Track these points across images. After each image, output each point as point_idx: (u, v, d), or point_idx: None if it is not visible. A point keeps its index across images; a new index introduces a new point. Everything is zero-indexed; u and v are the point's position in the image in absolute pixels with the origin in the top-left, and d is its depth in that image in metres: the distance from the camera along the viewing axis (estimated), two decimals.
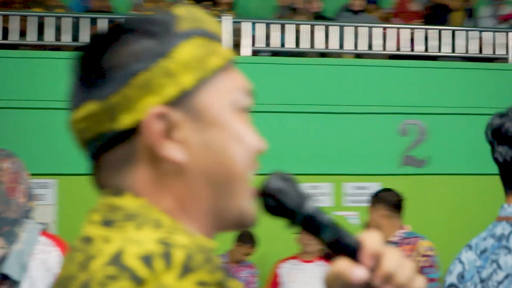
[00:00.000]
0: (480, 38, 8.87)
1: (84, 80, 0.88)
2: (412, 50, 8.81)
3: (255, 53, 8.57)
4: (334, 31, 8.61)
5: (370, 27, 8.80)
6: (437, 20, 9.45)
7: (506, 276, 2.46)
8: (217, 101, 0.90)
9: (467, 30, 8.97)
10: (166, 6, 8.89)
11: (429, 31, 8.85)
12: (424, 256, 4.63)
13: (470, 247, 2.57)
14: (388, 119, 8.15)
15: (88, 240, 0.80)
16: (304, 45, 8.31)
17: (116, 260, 0.72)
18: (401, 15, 9.70)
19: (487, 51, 8.81)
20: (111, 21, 8.08)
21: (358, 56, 9.04)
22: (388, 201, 4.75)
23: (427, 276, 4.48)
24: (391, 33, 8.77)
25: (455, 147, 8.17)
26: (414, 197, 7.33)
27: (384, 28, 8.84)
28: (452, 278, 2.63)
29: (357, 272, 0.88)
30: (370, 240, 0.93)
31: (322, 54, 8.86)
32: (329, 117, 8.07)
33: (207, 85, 0.89)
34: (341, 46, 8.58)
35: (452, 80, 8.39)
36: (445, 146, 8.17)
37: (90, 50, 0.89)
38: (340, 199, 8.05)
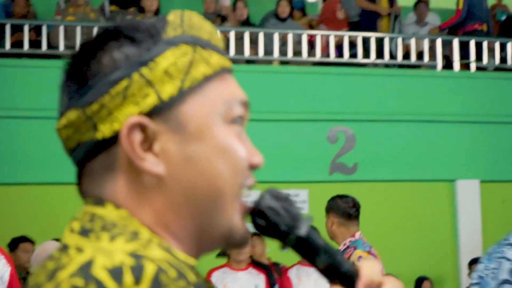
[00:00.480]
0: (407, 45, 9.29)
1: (68, 88, 0.88)
2: (339, 56, 8.95)
3: None
4: (261, 38, 8.69)
5: (296, 34, 8.93)
6: (364, 27, 9.65)
7: None
8: (203, 112, 0.87)
9: (394, 37, 9.33)
10: (88, 12, 8.94)
11: (356, 38, 9.03)
12: None
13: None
14: (316, 126, 8.27)
15: (64, 248, 0.79)
16: (231, 52, 8.33)
17: (85, 270, 0.70)
18: (328, 22, 9.83)
19: (414, 59, 9.13)
20: (33, 27, 8.17)
21: (285, 63, 9.13)
22: (339, 209, 4.67)
23: None
24: (318, 40, 8.86)
25: (383, 153, 8.35)
26: None
27: (311, 35, 9.00)
28: (504, 275, 2.85)
29: None
30: (368, 269, 0.91)
31: (249, 61, 8.99)
32: (256, 124, 8.02)
33: (193, 94, 0.87)
34: (268, 53, 8.72)
35: (379, 87, 8.61)
36: (373, 153, 8.35)
37: (76, 58, 0.89)
38: None
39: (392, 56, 9.17)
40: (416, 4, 10.32)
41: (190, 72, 0.86)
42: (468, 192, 8.67)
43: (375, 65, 9.23)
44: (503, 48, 9.29)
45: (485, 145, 8.75)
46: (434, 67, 9.19)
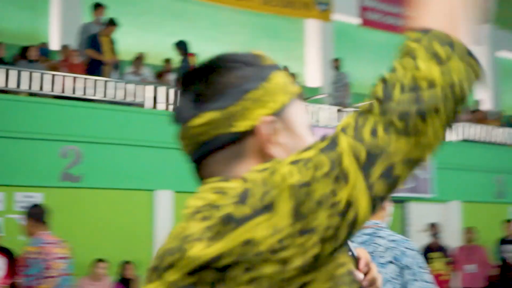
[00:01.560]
0: (125, 88, 10.59)
1: (198, 96, 1.12)
2: (74, 93, 10.11)
3: None
4: (12, 73, 9.63)
5: (42, 73, 9.93)
6: (93, 71, 10.72)
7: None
8: (299, 118, 1.15)
9: (115, 81, 10.63)
10: None
11: (87, 80, 10.22)
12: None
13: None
14: (52, 144, 9.27)
15: (211, 204, 1.00)
16: None
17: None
18: (67, 65, 10.85)
19: (129, 98, 10.56)
20: None
21: (33, 94, 10.08)
22: (33, 214, 5.82)
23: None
24: (58, 79, 9.99)
25: (103, 167, 9.62)
26: (71, 206, 9.25)
27: (53, 75, 10.03)
28: (387, 258, 3.67)
29: (359, 275, 1.26)
30: (362, 254, 1.35)
31: (2, 91, 9.69)
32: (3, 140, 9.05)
33: (293, 105, 1.15)
34: (18, 85, 9.71)
35: (103, 117, 9.87)
36: (96, 167, 9.55)
37: (195, 76, 1.16)
38: (11, 205, 9.01)
39: (114, 95, 10.41)
40: (134, 59, 11.83)
41: (290, 88, 1.15)
42: (164, 200, 10.07)
43: (101, 100, 10.35)
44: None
45: (180, 162, 10.17)
46: (142, 105, 10.68)
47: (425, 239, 11.60)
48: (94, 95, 10.27)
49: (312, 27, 16.22)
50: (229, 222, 0.94)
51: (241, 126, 1.09)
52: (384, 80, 1.00)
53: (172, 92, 10.90)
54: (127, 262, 9.29)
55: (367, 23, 16.87)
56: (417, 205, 13.07)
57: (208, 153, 1.12)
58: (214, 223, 0.96)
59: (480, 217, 13.33)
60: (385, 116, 0.95)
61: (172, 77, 12.11)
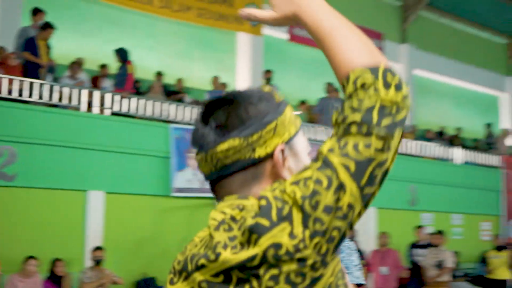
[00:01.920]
0: (61, 91, 10.47)
1: (222, 126, 1.27)
2: (10, 94, 9.90)
3: None
4: None
5: None
6: (30, 74, 10.51)
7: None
8: (302, 146, 1.34)
9: (51, 84, 10.46)
10: None
11: (24, 82, 10.06)
12: None
13: None
14: None
15: (232, 217, 1.20)
16: None
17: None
18: (3, 67, 10.57)
19: (64, 101, 10.43)
20: None
21: None
22: None
23: None
24: None
25: (36, 167, 9.49)
26: (4, 205, 9.24)
27: None
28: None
29: None
30: None
31: None
32: None
33: (297, 135, 1.33)
34: None
35: (40, 119, 9.72)
36: (31, 166, 9.44)
37: (216, 107, 1.31)
38: None
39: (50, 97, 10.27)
40: (71, 64, 11.66)
41: (296, 121, 1.33)
42: (96, 200, 10.03)
43: (36, 102, 10.18)
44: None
45: (112, 165, 10.19)
46: (78, 108, 10.57)
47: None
48: (30, 96, 10.15)
49: (243, 40, 16.44)
50: (254, 232, 1.14)
51: (260, 152, 1.26)
52: (352, 108, 1.17)
53: (107, 96, 10.89)
54: (58, 260, 9.22)
55: (294, 38, 17.18)
56: None
57: (229, 174, 1.29)
58: (239, 233, 1.17)
59: (393, 223, 13.74)
60: (367, 137, 1.15)
61: (107, 82, 12.04)
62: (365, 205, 1.19)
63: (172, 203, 11.02)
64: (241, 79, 16.32)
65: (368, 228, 13.69)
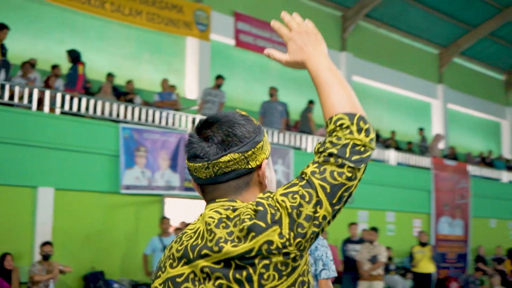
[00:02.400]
0: (12, 90, 10.33)
1: (221, 142, 1.57)
2: None
3: None
4: None
5: None
6: None
7: None
8: (270, 160, 1.69)
9: (2, 83, 10.23)
10: None
11: None
12: None
13: None
14: None
15: (226, 216, 1.51)
16: None
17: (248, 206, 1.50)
18: None
19: (16, 100, 10.21)
20: None
21: None
22: None
23: None
24: None
25: None
26: None
27: None
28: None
29: None
30: None
31: None
32: None
33: (271, 153, 1.71)
34: None
35: None
36: None
37: (211, 125, 1.60)
38: None
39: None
40: (23, 64, 11.54)
41: (268, 142, 1.69)
42: (45, 196, 9.91)
43: None
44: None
45: (61, 162, 10.07)
46: (30, 107, 10.43)
47: None
48: None
49: (192, 44, 16.44)
50: (252, 231, 1.45)
51: (252, 164, 1.59)
52: (331, 142, 1.52)
53: (58, 96, 10.79)
54: (7, 254, 9.14)
55: (240, 44, 17.32)
56: None
57: (226, 180, 1.59)
58: (235, 230, 1.47)
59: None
60: (340, 167, 1.49)
61: (59, 82, 11.88)
62: (333, 217, 1.53)
63: (120, 199, 11.00)
64: (190, 82, 16.33)
65: None
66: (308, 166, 1.53)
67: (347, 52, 20.48)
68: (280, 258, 1.46)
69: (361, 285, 11.48)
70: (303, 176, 1.51)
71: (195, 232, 1.55)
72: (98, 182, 10.77)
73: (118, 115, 11.62)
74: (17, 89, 10.43)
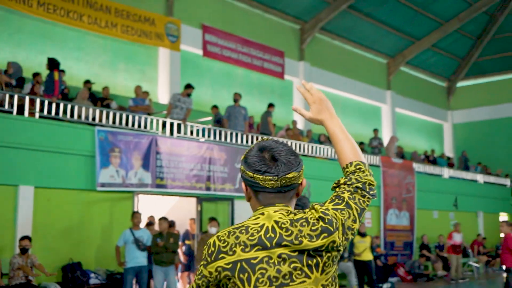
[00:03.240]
0: None
1: (289, 163, 1.91)
2: None
3: None
4: None
5: None
6: None
7: None
8: None
9: None
10: None
11: None
12: None
13: None
14: None
15: (293, 220, 1.84)
16: None
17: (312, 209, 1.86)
18: None
19: None
20: None
21: None
22: None
23: None
24: None
25: None
26: None
27: None
28: None
29: None
30: None
31: None
32: None
33: None
34: None
35: None
36: None
37: (281, 151, 1.93)
38: None
39: None
40: (5, 71, 11.24)
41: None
42: (26, 194, 9.75)
43: None
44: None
45: (40, 162, 9.91)
46: (12, 112, 10.12)
47: None
48: None
49: (163, 54, 16.38)
50: (325, 232, 1.82)
51: (300, 181, 1.96)
52: (357, 180, 1.97)
53: (37, 101, 10.65)
54: None
55: (207, 54, 17.36)
56: (242, 203, 13.34)
57: (286, 191, 1.92)
58: (307, 229, 1.83)
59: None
60: (363, 197, 1.96)
61: (40, 89, 11.70)
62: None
63: (96, 196, 10.90)
64: (162, 89, 16.25)
65: None
66: (343, 193, 1.95)
67: (304, 62, 20.61)
68: (335, 253, 1.86)
69: None
70: (342, 199, 1.92)
71: (261, 227, 1.85)
72: (76, 180, 10.65)
73: (94, 119, 11.53)
74: (1, 95, 10.31)
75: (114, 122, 11.79)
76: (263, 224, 1.85)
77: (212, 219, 11.55)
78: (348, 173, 2.00)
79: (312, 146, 16.50)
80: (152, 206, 13.78)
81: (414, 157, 22.26)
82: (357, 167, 1.99)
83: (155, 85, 16.15)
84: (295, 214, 1.86)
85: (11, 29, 13.47)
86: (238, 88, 17.71)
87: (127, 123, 12.05)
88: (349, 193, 1.92)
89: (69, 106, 11.22)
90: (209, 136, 13.49)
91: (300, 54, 20.60)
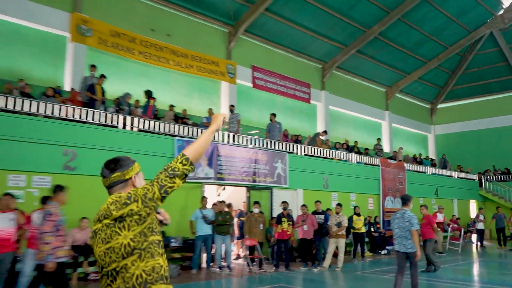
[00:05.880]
0: (109, 115, 10.09)
1: (113, 169, 2.02)
2: (73, 116, 9.41)
3: None
4: (35, 104, 9.00)
5: (53, 104, 9.17)
6: (89, 105, 10.29)
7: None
8: (140, 176, 2.09)
9: (100, 111, 10.02)
10: None
11: (83, 110, 9.58)
12: None
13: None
14: (55, 147, 8.83)
15: (116, 200, 1.91)
16: None
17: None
18: (71, 100, 10.21)
19: (108, 121, 10.02)
20: None
21: (46, 116, 9.22)
22: None
23: None
24: (64, 108, 9.36)
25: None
26: None
27: (60, 106, 9.35)
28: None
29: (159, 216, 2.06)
30: (162, 210, 2.07)
31: (29, 114, 8.89)
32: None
33: (139, 172, 2.09)
34: (37, 110, 8.99)
35: (90, 133, 9.42)
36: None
37: (109, 163, 2.04)
38: None
39: None
40: (115, 100, 11.34)
41: (138, 167, 2.11)
42: None
43: (93, 123, 9.75)
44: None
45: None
46: (116, 127, 10.11)
47: (280, 210, 11.83)
48: (86, 118, 9.83)
49: (224, 86, 16.28)
50: (125, 204, 1.88)
51: (127, 176, 2.04)
52: (169, 165, 1.93)
53: (135, 119, 10.59)
54: None
55: (256, 86, 17.24)
56: (279, 191, 13.25)
57: (115, 185, 2.03)
58: (119, 205, 1.89)
59: (312, 198, 13.62)
60: (168, 176, 1.91)
61: (139, 111, 11.82)
62: (162, 199, 1.92)
63: None
64: (223, 111, 16.13)
65: (296, 202, 13.63)
66: (157, 175, 1.93)
67: (325, 91, 20.23)
68: (136, 216, 1.87)
69: (331, 241, 11.19)
70: (152, 180, 1.91)
71: (104, 208, 1.94)
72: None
73: (174, 132, 11.52)
74: (110, 116, 10.37)
75: (189, 134, 11.75)
76: (105, 206, 1.96)
77: (256, 202, 11.38)
78: (174, 160, 1.97)
79: (330, 151, 16.07)
80: (214, 193, 13.73)
81: (406, 159, 21.44)
82: (178, 157, 1.93)
83: (218, 108, 16.12)
84: (120, 197, 1.92)
85: (120, 70, 13.65)
86: (277, 110, 17.49)
87: (197, 134, 11.98)
88: (159, 174, 1.90)
89: (157, 123, 11.23)
90: (255, 144, 13.31)
91: (322, 85, 20.21)
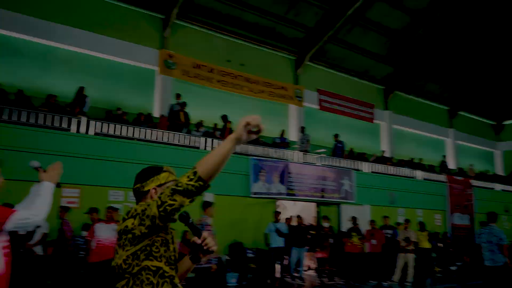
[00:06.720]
0: (192, 138, 10.31)
1: (138, 182, 1.74)
2: (162, 139, 9.72)
3: None
4: (131, 129, 9.40)
5: (145, 129, 9.60)
6: (176, 130, 10.56)
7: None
8: (163, 186, 1.73)
9: (185, 134, 10.29)
10: None
11: (170, 133, 9.89)
12: None
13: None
14: (139, 166, 9.45)
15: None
16: None
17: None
18: (160, 125, 10.54)
19: (194, 143, 10.23)
20: None
21: (139, 140, 9.63)
22: None
23: None
24: (154, 132, 9.73)
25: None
26: None
27: (151, 130, 9.78)
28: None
29: (197, 240, 1.66)
30: (205, 233, 1.67)
31: (123, 137, 9.34)
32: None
33: (165, 183, 1.72)
34: (133, 135, 9.41)
35: (169, 153, 9.62)
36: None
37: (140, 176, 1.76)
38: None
39: None
40: (196, 124, 11.48)
41: (165, 177, 1.74)
42: (208, 198, 9.27)
43: (179, 144, 9.98)
44: None
45: None
46: (198, 147, 10.34)
47: (349, 225, 11.24)
48: (173, 141, 10.09)
49: (292, 109, 16.07)
50: (123, 220, 1.61)
51: (147, 188, 1.74)
52: (176, 179, 1.71)
53: (215, 142, 10.63)
54: None
55: (323, 108, 16.83)
56: (346, 206, 12.66)
57: (136, 197, 1.75)
58: (122, 219, 1.62)
59: (378, 214, 12.88)
60: (172, 195, 1.50)
61: (217, 133, 11.90)
62: (161, 218, 1.51)
63: (251, 200, 10.76)
64: (291, 132, 15.86)
65: (364, 217, 12.93)
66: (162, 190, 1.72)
67: (389, 111, 19.26)
68: (130, 235, 1.55)
69: (400, 256, 10.38)
70: (149, 201, 1.62)
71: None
72: (237, 190, 10.60)
73: (248, 151, 11.45)
74: (192, 138, 10.53)
75: (263, 153, 11.62)
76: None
77: (325, 217, 10.91)
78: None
79: (395, 168, 15.13)
80: (286, 208, 13.42)
81: (470, 175, 19.60)
82: (189, 171, 1.54)
83: (287, 129, 15.90)
84: (129, 210, 1.64)
85: (200, 97, 13.87)
86: (343, 130, 16.88)
87: (269, 154, 11.80)
88: (165, 188, 1.66)
89: None
90: (323, 162, 12.84)
91: (385, 105, 19.27)
